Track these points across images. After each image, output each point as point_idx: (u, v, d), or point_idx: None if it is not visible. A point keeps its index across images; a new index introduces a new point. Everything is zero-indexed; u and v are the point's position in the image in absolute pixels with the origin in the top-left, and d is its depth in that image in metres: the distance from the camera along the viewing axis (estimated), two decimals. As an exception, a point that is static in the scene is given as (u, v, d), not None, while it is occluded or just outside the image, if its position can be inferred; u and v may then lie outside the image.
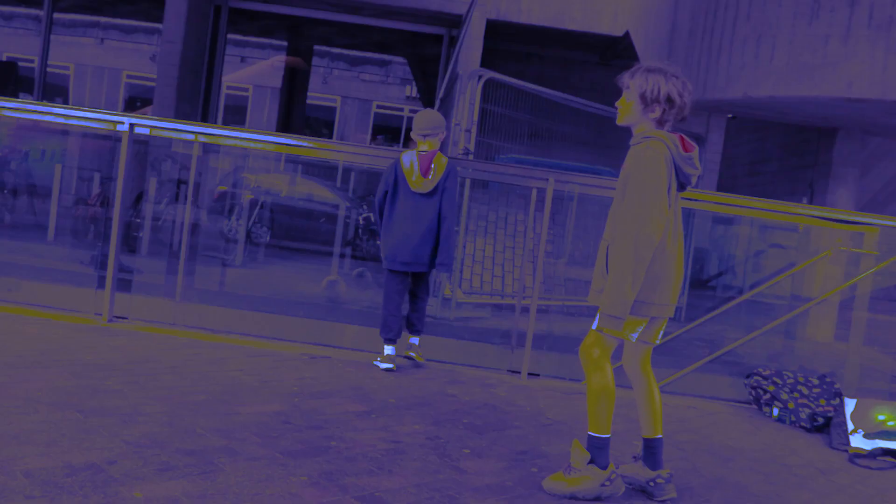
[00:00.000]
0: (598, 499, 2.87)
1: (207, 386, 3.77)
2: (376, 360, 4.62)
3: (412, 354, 4.69)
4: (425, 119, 4.64)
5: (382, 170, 4.78)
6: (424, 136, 4.59)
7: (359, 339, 5.61)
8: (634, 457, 3.10)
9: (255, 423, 3.30)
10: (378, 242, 5.00)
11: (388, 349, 4.61)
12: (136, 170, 7.79)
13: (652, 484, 2.99)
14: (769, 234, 10.13)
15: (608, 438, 2.88)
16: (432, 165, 4.53)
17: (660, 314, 2.90)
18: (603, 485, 2.86)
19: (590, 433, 2.89)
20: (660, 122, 2.91)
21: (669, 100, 2.86)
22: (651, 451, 3.02)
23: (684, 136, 2.97)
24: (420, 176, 4.51)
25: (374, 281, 8.32)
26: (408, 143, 12.73)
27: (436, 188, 4.54)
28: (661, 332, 3.01)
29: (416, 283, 4.75)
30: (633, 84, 2.90)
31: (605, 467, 2.87)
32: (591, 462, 2.87)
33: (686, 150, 2.93)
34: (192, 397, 3.54)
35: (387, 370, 4.56)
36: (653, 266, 2.82)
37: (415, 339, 4.73)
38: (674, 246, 2.89)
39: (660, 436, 3.03)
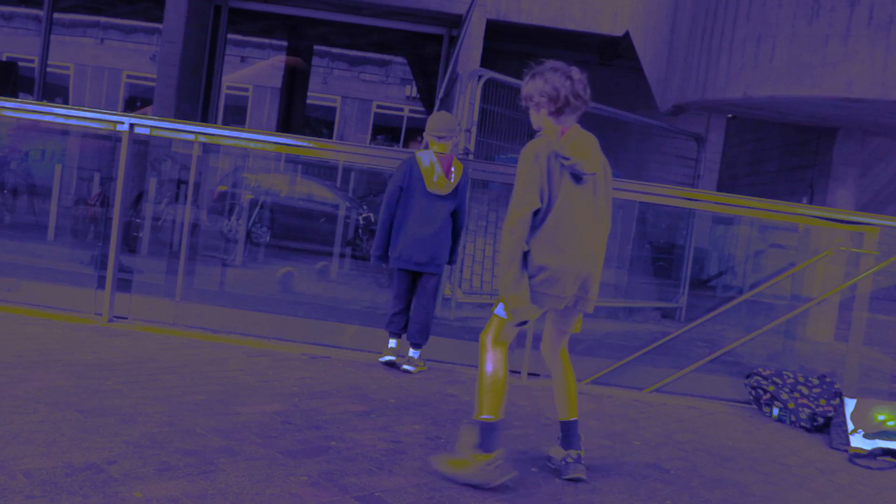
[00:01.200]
0: (475, 482, 2.91)
1: (207, 386, 3.77)
2: (381, 357, 4.65)
3: (410, 368, 4.61)
4: (442, 120, 4.62)
5: (382, 170, 4.77)
6: (440, 137, 4.58)
7: (359, 339, 5.62)
8: (559, 438, 3.24)
9: (255, 423, 3.30)
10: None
11: (392, 342, 4.63)
12: (136, 170, 7.79)
13: (563, 463, 3.13)
14: (769, 234, 10.12)
15: (496, 423, 2.95)
16: (452, 168, 4.54)
17: (554, 305, 3.03)
18: (483, 469, 2.91)
19: (478, 417, 2.96)
20: (555, 117, 3.04)
21: (531, 98, 3.06)
22: (566, 433, 3.17)
23: (579, 127, 3.09)
24: (442, 177, 4.50)
25: (373, 281, 8.32)
26: (408, 143, 12.73)
27: (454, 190, 4.55)
28: (580, 323, 3.19)
29: (423, 289, 4.67)
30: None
31: (490, 451, 2.92)
32: (477, 446, 2.93)
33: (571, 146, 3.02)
34: (192, 397, 3.54)
35: (387, 363, 4.57)
36: (545, 258, 2.97)
37: (415, 353, 4.69)
38: (571, 238, 3.00)
39: (574, 419, 3.17)
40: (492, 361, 2.99)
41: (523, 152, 3.04)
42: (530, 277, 2.99)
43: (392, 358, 4.59)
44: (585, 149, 3.03)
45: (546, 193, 2.98)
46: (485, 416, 2.95)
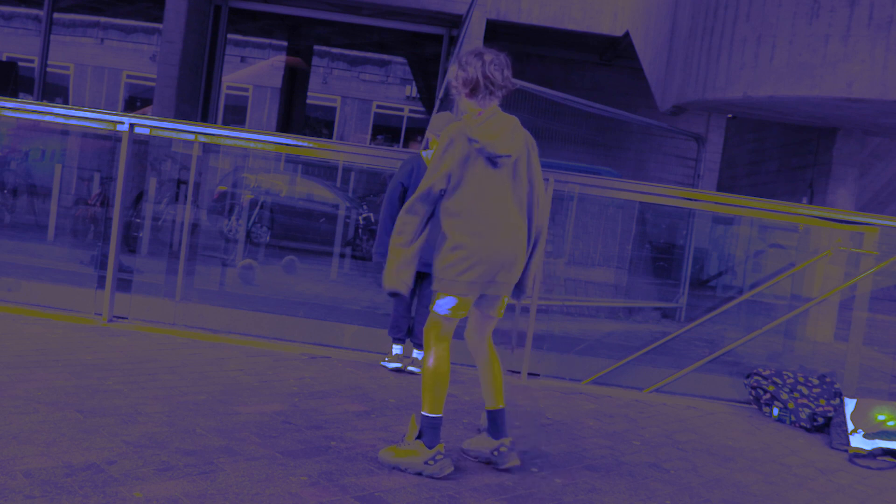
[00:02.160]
0: (419, 474, 2.96)
1: (207, 386, 3.77)
2: (384, 361, 4.63)
3: (417, 370, 4.63)
4: (445, 120, 4.61)
5: (382, 170, 4.76)
6: None
7: (359, 339, 5.62)
8: (479, 429, 3.24)
9: (255, 423, 3.30)
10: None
11: (396, 348, 4.61)
12: (136, 170, 7.79)
13: (496, 453, 3.12)
14: (769, 234, 10.12)
15: (439, 418, 3.00)
16: None
17: (470, 291, 3.01)
18: (427, 462, 2.96)
19: (422, 412, 3.01)
20: (472, 99, 3.06)
21: (450, 84, 3.11)
22: (494, 422, 3.16)
23: (499, 110, 3.11)
24: None
25: (373, 280, 8.32)
26: (408, 143, 12.73)
27: None
28: (502, 308, 3.16)
29: (427, 289, 4.64)
30: None
31: (432, 446, 2.98)
32: (419, 438, 2.99)
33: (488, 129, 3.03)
34: (191, 397, 3.54)
35: (394, 370, 4.56)
36: (460, 237, 2.99)
37: (419, 354, 4.71)
38: (488, 222, 3.00)
39: (502, 407, 3.17)
40: (434, 358, 3.02)
41: (441, 135, 3.11)
42: (446, 262, 3.01)
43: (399, 364, 4.57)
44: (498, 131, 3.04)
45: (456, 176, 3.00)
46: (426, 413, 2.99)
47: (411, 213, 3.02)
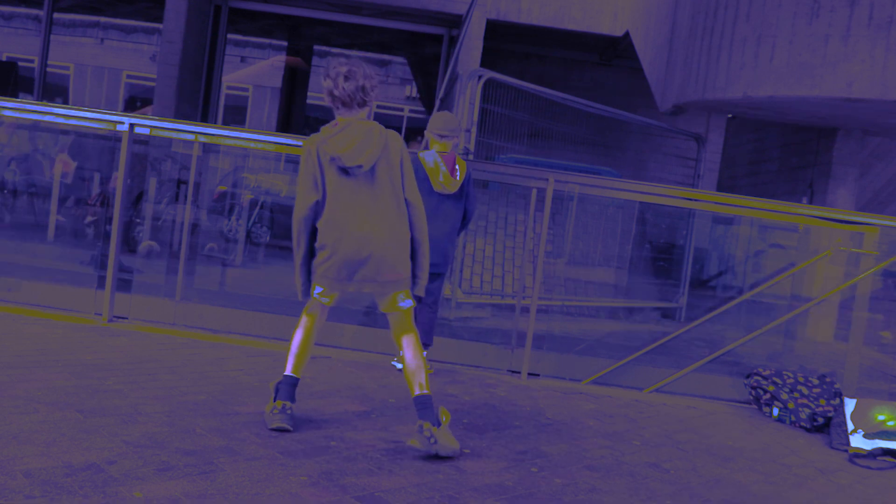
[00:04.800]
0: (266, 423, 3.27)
1: (207, 386, 3.77)
2: (393, 361, 4.64)
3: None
4: (444, 120, 4.62)
5: None
6: (442, 136, 4.56)
7: (359, 339, 5.61)
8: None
9: (255, 423, 3.30)
10: None
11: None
12: (136, 170, 7.79)
13: (425, 438, 3.14)
14: (769, 234, 10.12)
15: (297, 379, 3.39)
16: (457, 166, 4.53)
17: (333, 288, 3.33)
18: (271, 411, 3.30)
19: (284, 373, 3.38)
20: (337, 111, 3.30)
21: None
22: (418, 408, 3.24)
23: (356, 121, 3.29)
24: (448, 175, 4.49)
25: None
26: (408, 143, 12.72)
27: (460, 189, 4.55)
28: (395, 303, 3.36)
29: (429, 290, 4.60)
30: None
31: (276, 399, 3.32)
32: (276, 393, 3.35)
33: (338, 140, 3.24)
34: (191, 397, 3.54)
35: (402, 370, 4.56)
36: (324, 238, 3.28)
37: (424, 352, 4.71)
38: (346, 226, 3.24)
39: (424, 394, 3.24)
40: (301, 328, 3.42)
41: (302, 147, 3.34)
42: (317, 258, 3.31)
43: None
44: (349, 142, 3.20)
45: (320, 185, 3.26)
46: (288, 373, 3.38)
47: (297, 227, 3.34)
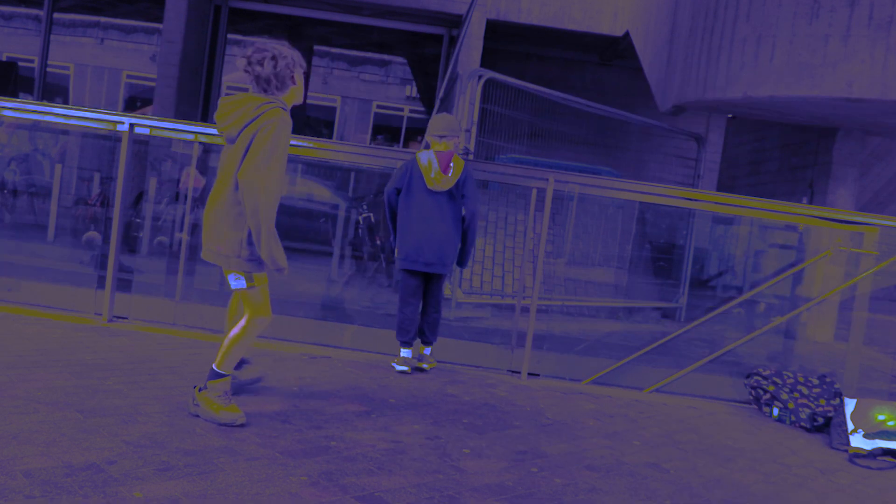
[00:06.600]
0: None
1: (207, 386, 3.76)
2: (393, 362, 4.64)
3: (424, 365, 4.69)
4: (442, 121, 4.66)
5: (382, 170, 4.79)
6: (441, 137, 4.59)
7: (359, 339, 5.62)
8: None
9: (255, 423, 3.30)
10: (378, 243, 4.99)
11: (405, 352, 4.61)
12: (136, 170, 7.79)
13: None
14: (769, 234, 10.12)
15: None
16: (451, 164, 4.54)
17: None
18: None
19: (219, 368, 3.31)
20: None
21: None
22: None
23: (241, 93, 3.37)
24: (440, 172, 4.50)
25: (374, 280, 8.32)
26: (408, 143, 12.73)
27: (455, 187, 4.56)
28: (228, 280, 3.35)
29: (429, 290, 4.69)
30: None
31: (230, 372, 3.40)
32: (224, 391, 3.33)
33: None
34: (191, 397, 3.54)
35: (402, 373, 4.56)
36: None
37: (427, 350, 4.75)
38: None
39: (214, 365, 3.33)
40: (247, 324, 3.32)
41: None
42: None
43: (406, 368, 4.57)
44: (223, 112, 3.27)
45: None
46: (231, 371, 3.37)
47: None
